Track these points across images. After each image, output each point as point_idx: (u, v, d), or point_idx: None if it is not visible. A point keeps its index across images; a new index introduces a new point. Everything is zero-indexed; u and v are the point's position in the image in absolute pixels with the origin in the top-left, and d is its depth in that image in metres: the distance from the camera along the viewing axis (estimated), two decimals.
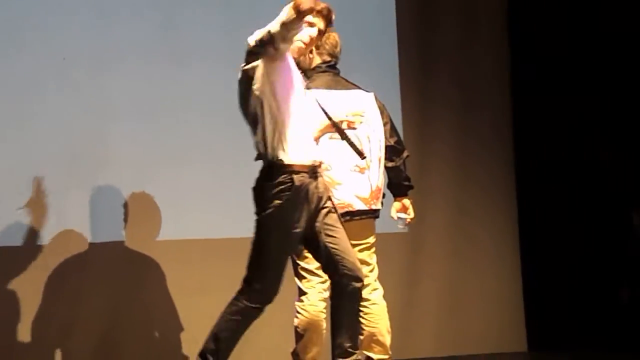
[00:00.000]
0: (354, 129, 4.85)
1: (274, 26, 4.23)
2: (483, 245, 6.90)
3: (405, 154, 5.04)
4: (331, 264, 4.40)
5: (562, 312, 7.16)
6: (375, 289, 4.97)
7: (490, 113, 7.10)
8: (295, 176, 4.30)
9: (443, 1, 7.09)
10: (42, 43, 6.05)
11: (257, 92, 4.37)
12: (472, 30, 7.10)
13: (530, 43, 7.25)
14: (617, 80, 7.19)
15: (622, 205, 7.13)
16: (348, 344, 4.42)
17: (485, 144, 7.05)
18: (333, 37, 4.96)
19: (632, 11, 7.08)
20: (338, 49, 4.98)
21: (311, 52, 4.91)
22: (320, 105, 4.79)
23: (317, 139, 4.77)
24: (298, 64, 4.56)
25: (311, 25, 4.53)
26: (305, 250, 4.83)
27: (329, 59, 4.96)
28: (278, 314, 5.98)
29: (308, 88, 4.71)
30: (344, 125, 4.83)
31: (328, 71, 4.95)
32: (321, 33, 4.60)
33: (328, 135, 4.85)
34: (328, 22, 4.60)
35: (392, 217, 5.06)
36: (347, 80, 5.00)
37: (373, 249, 4.95)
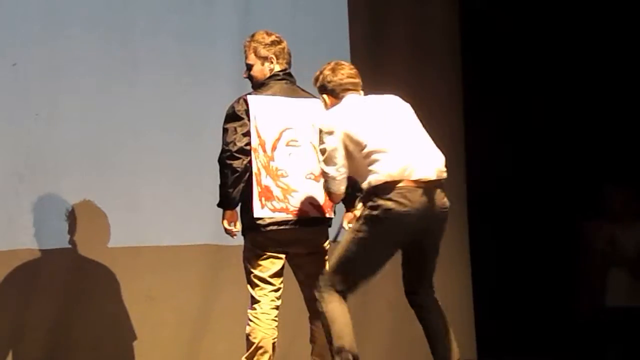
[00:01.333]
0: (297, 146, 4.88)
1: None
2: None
3: None
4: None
5: (512, 320, 7.23)
6: None
7: (443, 82, 7.11)
8: None
9: None
10: None
11: None
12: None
13: (482, 11, 7.30)
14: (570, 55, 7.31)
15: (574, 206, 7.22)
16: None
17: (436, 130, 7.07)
18: (286, 44, 4.98)
19: None
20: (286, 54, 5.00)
21: (272, 61, 4.96)
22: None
23: (274, 146, 4.79)
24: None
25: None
26: (259, 258, 4.83)
27: (286, 66, 4.98)
28: (230, 321, 6.03)
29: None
30: (289, 142, 4.86)
31: (285, 79, 4.97)
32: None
33: (284, 141, 4.86)
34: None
35: (343, 228, 5.07)
36: (303, 90, 5.02)
37: (327, 257, 4.97)
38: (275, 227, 4.80)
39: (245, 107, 4.84)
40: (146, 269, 6.14)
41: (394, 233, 4.52)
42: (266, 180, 4.80)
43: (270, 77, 4.97)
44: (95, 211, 6.04)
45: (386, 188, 4.46)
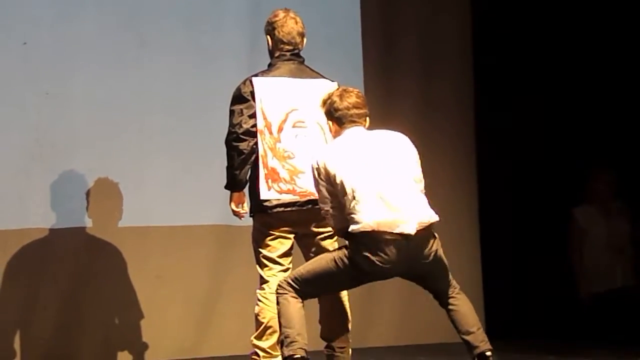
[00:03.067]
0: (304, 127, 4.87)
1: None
2: (443, 234, 6.90)
3: None
4: None
5: (521, 301, 7.23)
6: None
7: (454, 95, 7.10)
8: None
9: None
10: (3, 27, 5.98)
11: None
12: (437, 5, 7.10)
13: (495, 28, 7.30)
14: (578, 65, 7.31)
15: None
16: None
17: (448, 127, 7.07)
18: (287, 25, 4.94)
19: None
20: (294, 35, 4.95)
21: (269, 43, 4.94)
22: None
23: (280, 127, 4.79)
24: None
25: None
26: (268, 238, 4.84)
27: (288, 47, 4.94)
28: (239, 302, 6.05)
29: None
30: (295, 124, 4.85)
31: (292, 59, 4.95)
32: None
33: (291, 123, 4.85)
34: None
35: None
36: (311, 69, 4.99)
37: (335, 237, 4.96)
38: (282, 209, 4.79)
39: (251, 89, 4.82)
40: (155, 249, 6.17)
41: (368, 277, 4.60)
42: (272, 162, 4.79)
43: (277, 57, 4.95)
44: (105, 191, 6.07)
45: (365, 237, 4.46)
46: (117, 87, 6.17)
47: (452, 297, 4.71)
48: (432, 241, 4.57)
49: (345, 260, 4.52)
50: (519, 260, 7.33)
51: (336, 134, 4.71)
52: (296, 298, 4.60)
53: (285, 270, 4.87)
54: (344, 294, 4.95)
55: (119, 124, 6.16)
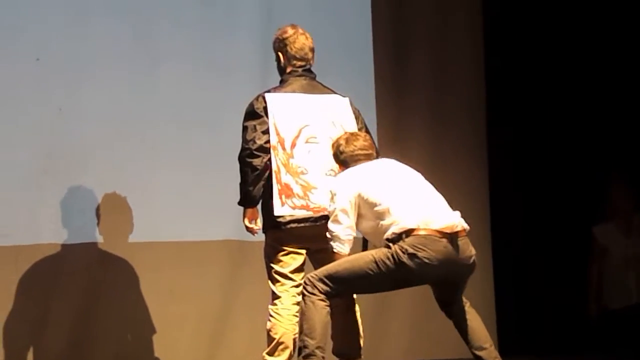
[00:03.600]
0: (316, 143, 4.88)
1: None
2: None
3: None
4: None
5: (533, 318, 7.22)
6: None
7: (465, 109, 7.10)
8: None
9: None
10: (16, 43, 6.00)
11: None
12: (448, 22, 7.11)
13: (505, 45, 7.30)
14: (589, 76, 7.31)
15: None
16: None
17: (460, 144, 7.06)
18: (298, 41, 4.97)
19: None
20: (306, 51, 4.98)
21: (280, 60, 4.98)
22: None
23: (293, 143, 4.79)
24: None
25: None
26: (280, 254, 4.84)
27: (301, 63, 4.96)
28: (251, 317, 6.04)
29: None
30: (308, 140, 4.86)
31: (304, 75, 4.96)
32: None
33: (304, 139, 4.86)
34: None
35: None
36: (323, 85, 5.01)
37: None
38: (295, 225, 4.79)
39: (264, 105, 4.83)
40: (167, 264, 6.16)
41: (409, 278, 4.58)
42: (286, 178, 4.80)
43: (289, 73, 4.96)
44: (117, 206, 6.07)
45: (410, 235, 4.50)
46: (129, 101, 6.18)
47: (463, 311, 4.71)
48: (472, 246, 4.62)
49: (388, 261, 4.51)
50: (530, 275, 7.32)
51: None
52: (324, 302, 4.58)
53: (297, 286, 4.87)
54: (356, 310, 4.94)
55: (131, 139, 6.17)
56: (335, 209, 4.64)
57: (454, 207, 6.49)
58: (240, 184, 4.85)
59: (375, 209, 4.58)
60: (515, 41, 7.38)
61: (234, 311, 6.26)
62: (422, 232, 4.49)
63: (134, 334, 6.14)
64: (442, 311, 4.79)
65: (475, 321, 4.73)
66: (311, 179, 4.83)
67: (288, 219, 4.80)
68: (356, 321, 4.95)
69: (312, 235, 4.82)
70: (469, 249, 4.60)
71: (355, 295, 4.94)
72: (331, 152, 4.82)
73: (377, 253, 4.58)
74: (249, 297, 6.12)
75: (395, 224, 4.52)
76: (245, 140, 4.81)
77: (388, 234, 4.54)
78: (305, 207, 4.79)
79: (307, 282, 4.62)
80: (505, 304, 7.03)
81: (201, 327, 6.20)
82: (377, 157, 4.84)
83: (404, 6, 7.01)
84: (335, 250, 4.67)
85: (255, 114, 4.83)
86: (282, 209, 4.79)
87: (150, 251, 6.11)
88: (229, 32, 6.43)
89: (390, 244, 4.53)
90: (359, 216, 4.64)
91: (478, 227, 7.00)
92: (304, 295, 4.62)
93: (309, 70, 4.99)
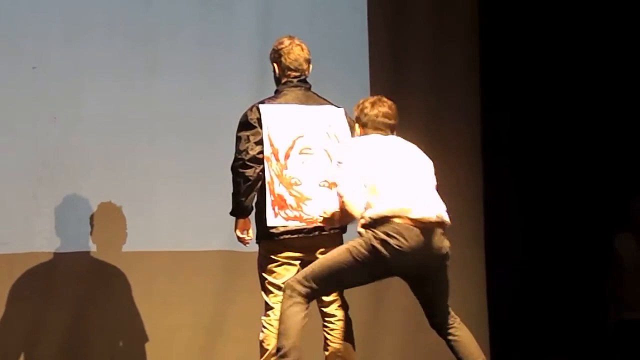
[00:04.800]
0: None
1: None
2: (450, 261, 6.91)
3: None
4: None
5: (526, 328, 7.20)
6: (341, 305, 4.97)
7: (461, 116, 7.10)
8: None
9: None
10: (13, 51, 6.00)
11: None
12: (444, 31, 7.11)
13: (502, 51, 7.30)
14: (588, 82, 7.31)
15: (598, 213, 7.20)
16: None
17: (455, 148, 7.06)
18: (293, 52, 4.97)
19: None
20: (301, 61, 4.98)
21: (275, 71, 4.99)
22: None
23: (287, 154, 4.79)
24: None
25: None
26: (273, 265, 4.84)
27: (295, 74, 4.97)
28: (244, 328, 6.03)
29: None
30: (302, 150, 4.86)
31: (299, 85, 4.97)
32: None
33: (298, 149, 4.86)
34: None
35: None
36: (318, 96, 5.02)
37: None
38: (289, 236, 4.80)
39: (257, 116, 4.84)
40: (161, 274, 6.16)
41: (383, 266, 4.54)
42: (279, 189, 4.80)
43: (284, 83, 4.97)
44: (111, 215, 6.06)
45: (385, 222, 4.49)
46: (125, 111, 6.17)
47: (453, 327, 4.71)
48: (446, 240, 4.60)
49: (362, 248, 4.51)
50: (526, 284, 7.30)
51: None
52: (302, 304, 4.59)
53: None
54: (349, 322, 4.94)
55: (126, 148, 6.16)
56: (343, 172, 4.61)
57: (449, 210, 6.53)
58: (233, 194, 4.85)
59: (366, 184, 4.56)
60: (512, 47, 7.36)
61: (227, 321, 6.25)
62: (397, 220, 4.48)
63: (127, 343, 6.13)
64: (432, 327, 4.77)
65: (466, 336, 4.72)
66: (305, 190, 4.82)
67: (281, 230, 4.80)
68: (349, 334, 4.95)
69: (306, 246, 4.83)
70: (442, 241, 4.57)
71: (347, 309, 4.95)
72: (354, 112, 4.82)
73: (350, 243, 4.58)
74: (242, 308, 6.10)
75: (373, 207, 4.51)
76: (238, 151, 4.82)
77: (364, 217, 4.53)
78: (299, 219, 4.79)
79: (287, 287, 4.63)
80: (499, 313, 7.01)
81: (194, 337, 6.19)
82: (395, 130, 4.81)
83: (400, 14, 7.00)
84: (352, 214, 4.61)
85: (248, 124, 4.84)
86: (275, 220, 4.79)
87: (143, 261, 6.10)
88: (226, 43, 6.43)
89: (363, 230, 4.53)
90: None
91: (472, 237, 7.03)
92: (283, 299, 4.63)
93: (304, 81, 5.00)
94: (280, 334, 4.61)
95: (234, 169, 4.82)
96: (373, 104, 4.78)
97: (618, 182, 7.22)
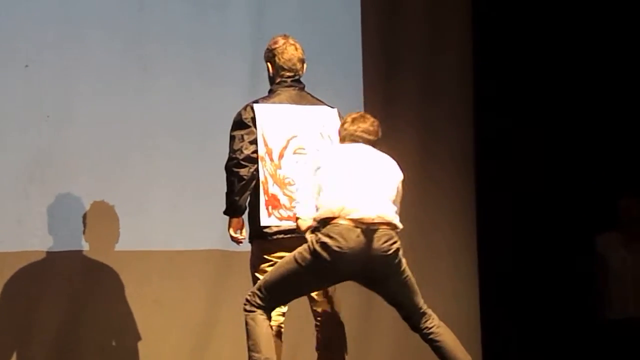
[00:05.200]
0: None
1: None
2: (442, 262, 6.92)
3: None
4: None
5: (518, 330, 7.22)
6: (333, 304, 4.96)
7: (454, 122, 7.10)
8: None
9: (409, 4, 7.09)
10: (5, 50, 5.99)
11: None
12: (438, 31, 7.12)
13: (495, 59, 7.32)
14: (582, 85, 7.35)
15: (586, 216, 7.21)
16: None
17: (447, 152, 7.07)
18: (287, 52, 4.97)
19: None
20: (294, 61, 4.97)
21: (269, 70, 5.00)
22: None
23: (281, 154, 4.80)
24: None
25: None
26: (266, 265, 4.84)
27: (289, 73, 4.96)
28: (236, 327, 6.02)
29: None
30: (296, 150, 4.86)
31: (293, 85, 4.97)
32: None
33: (292, 149, 4.86)
34: None
35: None
36: (312, 96, 5.02)
37: None
38: (282, 236, 4.80)
39: (252, 115, 4.84)
40: (153, 273, 6.14)
41: (327, 269, 4.53)
42: (273, 189, 4.80)
43: (278, 83, 4.97)
44: (103, 214, 6.05)
45: (327, 224, 4.50)
46: (118, 110, 6.16)
47: (432, 328, 4.68)
48: (393, 239, 4.53)
49: (305, 253, 4.52)
50: (518, 285, 7.33)
51: None
52: (263, 315, 4.60)
53: None
54: (342, 325, 4.93)
55: (119, 147, 6.15)
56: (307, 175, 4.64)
57: (440, 216, 6.54)
58: (227, 193, 4.85)
59: (318, 183, 4.58)
60: (507, 52, 7.40)
61: (219, 321, 6.24)
62: (339, 221, 4.47)
63: (119, 342, 6.11)
64: (411, 329, 4.75)
65: (449, 340, 4.69)
66: None
67: (274, 229, 4.80)
68: (342, 335, 4.95)
69: (298, 246, 4.82)
70: (387, 242, 4.51)
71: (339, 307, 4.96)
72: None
73: (297, 249, 4.59)
74: (234, 307, 6.02)
75: (318, 208, 4.53)
76: (232, 150, 4.82)
77: (312, 216, 4.55)
78: (292, 219, 4.78)
79: (245, 301, 4.65)
80: (491, 315, 7.03)
81: (186, 337, 6.18)
82: (374, 146, 4.78)
83: (394, 15, 7.01)
84: (297, 215, 4.64)
85: (243, 123, 4.83)
86: (268, 220, 4.79)
87: (136, 260, 6.09)
88: (220, 44, 6.42)
89: (308, 235, 4.55)
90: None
91: (464, 240, 7.04)
92: (245, 315, 4.64)
93: (298, 81, 5.00)
94: (250, 350, 4.61)
95: (228, 168, 4.82)
96: (354, 120, 4.76)
97: (605, 183, 7.24)
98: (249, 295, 4.66)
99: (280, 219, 4.80)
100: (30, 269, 5.92)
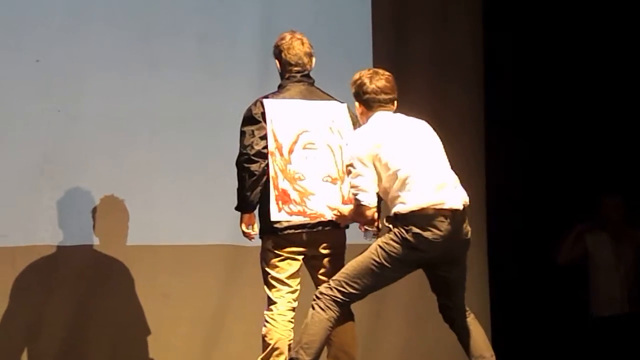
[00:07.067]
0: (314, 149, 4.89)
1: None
2: None
3: None
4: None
5: (528, 326, 7.22)
6: None
7: (464, 109, 7.07)
8: None
9: None
10: (16, 44, 6.00)
11: None
12: (449, 2, 7.10)
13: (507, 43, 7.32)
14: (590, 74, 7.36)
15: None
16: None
17: (458, 150, 7.03)
18: (293, 47, 4.97)
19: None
20: (301, 56, 4.97)
21: (277, 66, 5.00)
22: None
23: (291, 149, 4.80)
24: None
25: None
26: (276, 260, 4.85)
27: (297, 68, 4.97)
28: (247, 322, 6.04)
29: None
30: (305, 145, 4.87)
31: (302, 80, 4.97)
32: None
33: (301, 144, 4.87)
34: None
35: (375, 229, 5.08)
36: (321, 91, 5.02)
37: (344, 258, 4.97)
38: (292, 231, 4.80)
39: (262, 110, 4.84)
40: (163, 267, 6.16)
41: (417, 257, 4.59)
42: (283, 184, 4.81)
43: (287, 78, 4.98)
44: (113, 209, 6.07)
45: (416, 216, 4.53)
46: (127, 104, 6.18)
47: (465, 320, 4.72)
48: (468, 225, 4.68)
49: (394, 243, 4.55)
50: (530, 278, 7.34)
51: (363, 116, 4.79)
52: (330, 318, 4.62)
53: (293, 292, 4.89)
54: (351, 316, 4.94)
55: (128, 142, 6.17)
56: (356, 173, 4.62)
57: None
58: (238, 189, 4.86)
59: (391, 175, 4.58)
60: (516, 36, 7.37)
61: (229, 316, 6.26)
62: (428, 211, 4.52)
63: (129, 336, 6.13)
64: (444, 320, 4.79)
65: (476, 330, 4.74)
66: (308, 185, 4.83)
67: (285, 224, 4.81)
68: (352, 333, 4.96)
69: (309, 241, 4.84)
70: (467, 229, 4.66)
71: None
72: (351, 89, 4.81)
73: (379, 242, 4.61)
74: (245, 302, 6.12)
75: (402, 202, 4.55)
76: (243, 146, 4.82)
77: (395, 210, 4.56)
78: (302, 214, 4.80)
79: (319, 296, 4.65)
80: (500, 310, 7.04)
81: (196, 331, 6.20)
82: (396, 102, 4.80)
83: (404, 7, 6.99)
84: (362, 203, 4.64)
85: (253, 119, 4.84)
86: (279, 215, 4.80)
87: (146, 254, 6.11)
88: (229, 37, 6.43)
89: (391, 225, 4.57)
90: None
91: (474, 237, 7.01)
92: (313, 307, 4.64)
93: (308, 76, 5.00)
94: (299, 343, 4.62)
95: (239, 163, 4.83)
96: (371, 79, 4.75)
97: (589, 181, 7.26)
98: (325, 289, 4.65)
99: (291, 214, 4.81)
100: (40, 263, 5.94)
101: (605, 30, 7.36)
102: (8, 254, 5.91)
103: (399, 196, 4.56)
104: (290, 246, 4.83)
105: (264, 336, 4.89)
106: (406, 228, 4.53)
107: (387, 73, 4.82)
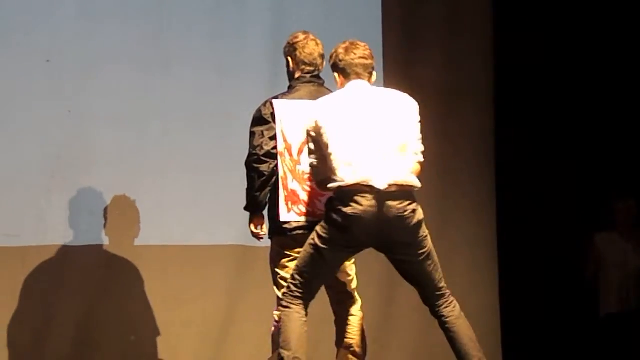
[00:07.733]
0: None
1: None
2: (462, 260, 6.89)
3: None
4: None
5: (538, 328, 7.21)
6: (353, 299, 4.97)
7: (474, 106, 7.06)
8: None
9: None
10: (26, 44, 6.02)
11: None
12: (457, 21, 7.09)
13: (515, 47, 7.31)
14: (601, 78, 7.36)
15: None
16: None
17: (468, 154, 7.03)
18: (308, 46, 4.97)
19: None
20: (315, 56, 4.98)
21: (290, 65, 4.99)
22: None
23: (300, 150, 4.80)
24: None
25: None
26: (285, 260, 4.85)
27: (310, 68, 4.97)
28: (256, 322, 6.04)
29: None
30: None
31: (312, 81, 4.97)
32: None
33: None
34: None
35: None
36: (331, 92, 5.01)
37: (353, 260, 4.96)
38: (301, 231, 4.79)
39: (271, 111, 4.84)
40: (173, 267, 6.17)
41: (347, 237, 4.51)
42: (293, 184, 4.80)
43: (297, 79, 4.98)
44: (124, 209, 6.08)
45: (339, 193, 4.48)
46: (138, 104, 6.19)
47: (452, 316, 4.67)
48: (408, 202, 4.50)
49: (324, 224, 4.54)
50: (541, 281, 7.33)
51: (340, 87, 4.73)
52: (299, 313, 4.61)
53: None
54: (361, 321, 4.93)
55: (139, 142, 6.18)
56: (308, 137, 4.62)
57: (460, 224, 6.48)
58: (247, 189, 4.86)
59: (327, 153, 4.53)
60: (526, 32, 7.36)
61: (239, 316, 6.26)
62: (349, 187, 4.45)
63: (139, 336, 6.14)
64: (432, 314, 4.74)
65: (463, 330, 4.66)
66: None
67: (294, 225, 4.80)
68: (361, 332, 4.95)
69: None
70: (402, 204, 4.48)
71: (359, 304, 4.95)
72: (329, 63, 4.77)
73: (312, 235, 4.60)
74: (254, 303, 6.12)
75: (332, 180, 4.50)
76: (252, 146, 4.82)
77: (330, 187, 4.52)
78: (312, 214, 4.80)
79: (282, 300, 4.67)
80: (510, 309, 7.03)
81: (206, 332, 6.20)
82: (373, 70, 4.75)
83: (414, 8, 6.99)
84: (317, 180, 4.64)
85: (262, 120, 4.84)
86: (288, 216, 4.79)
87: (156, 254, 6.12)
88: (240, 37, 6.44)
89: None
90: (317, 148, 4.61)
91: (485, 240, 7.02)
92: (281, 312, 4.66)
93: (318, 77, 4.99)
94: (280, 347, 4.61)
95: (248, 164, 4.83)
96: (347, 50, 4.71)
97: (602, 186, 7.26)
98: (286, 291, 4.66)
99: (300, 214, 4.80)
100: (51, 263, 5.96)
101: (617, 35, 7.35)
102: (19, 253, 5.93)
103: (331, 173, 4.52)
104: (300, 247, 4.80)
105: (273, 336, 4.89)
106: (330, 207, 4.51)
107: (362, 43, 4.76)
